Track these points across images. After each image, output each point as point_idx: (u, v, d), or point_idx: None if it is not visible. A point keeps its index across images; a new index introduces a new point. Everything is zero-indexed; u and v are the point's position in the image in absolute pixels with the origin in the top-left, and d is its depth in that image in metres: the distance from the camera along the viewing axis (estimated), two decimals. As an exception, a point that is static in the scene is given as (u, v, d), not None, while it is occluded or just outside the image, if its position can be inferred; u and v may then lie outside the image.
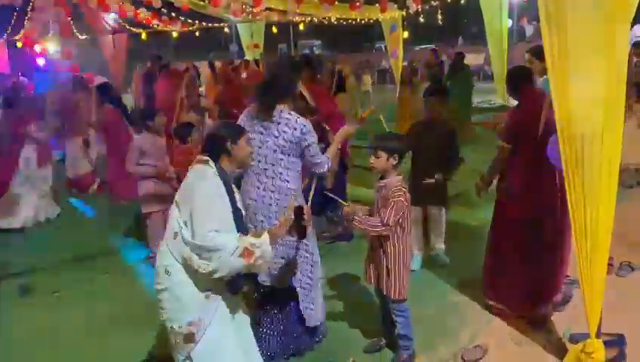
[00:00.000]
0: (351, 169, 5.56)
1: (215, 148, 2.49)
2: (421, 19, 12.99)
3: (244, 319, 2.63)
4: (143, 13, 11.36)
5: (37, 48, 9.42)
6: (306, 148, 2.98)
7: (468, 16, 27.69)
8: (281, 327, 3.17)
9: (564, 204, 2.77)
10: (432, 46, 18.90)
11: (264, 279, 3.04)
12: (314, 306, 3.16)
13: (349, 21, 14.31)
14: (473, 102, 10.53)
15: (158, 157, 4.56)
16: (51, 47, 9.93)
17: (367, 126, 4.30)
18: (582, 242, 2.50)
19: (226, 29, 19.15)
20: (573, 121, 2.43)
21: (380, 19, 13.60)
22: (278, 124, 2.95)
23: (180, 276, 2.36)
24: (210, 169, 2.43)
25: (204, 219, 2.29)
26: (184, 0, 9.86)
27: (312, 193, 2.86)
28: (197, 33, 15.22)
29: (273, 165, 2.98)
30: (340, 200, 3.02)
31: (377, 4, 10.90)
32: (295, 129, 2.94)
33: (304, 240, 3.00)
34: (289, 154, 2.98)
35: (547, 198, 3.32)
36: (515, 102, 3.62)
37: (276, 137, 2.95)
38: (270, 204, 2.98)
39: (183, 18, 13.35)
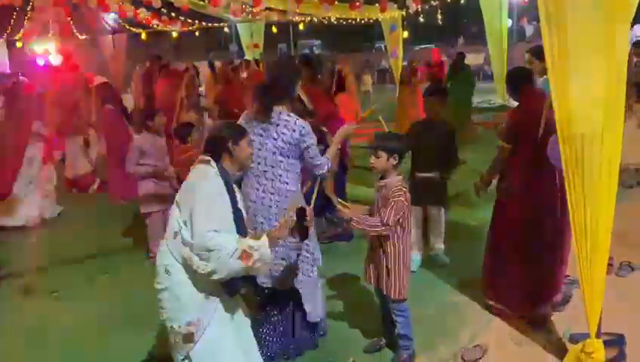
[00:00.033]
0: (351, 169, 5.56)
1: (217, 148, 2.49)
2: (421, 19, 13.03)
3: (244, 320, 2.62)
4: (143, 13, 11.37)
5: (37, 48, 9.40)
6: (305, 149, 2.96)
7: (468, 16, 27.63)
8: (281, 328, 3.17)
9: (564, 204, 2.77)
10: (432, 46, 18.93)
11: (265, 281, 3.03)
12: (315, 303, 3.16)
13: (349, 21, 14.32)
14: (473, 102, 10.52)
15: (158, 158, 4.57)
16: (51, 47, 9.92)
17: (366, 125, 4.29)
18: (582, 242, 2.50)
19: (226, 29, 19.17)
20: (573, 121, 2.43)
21: (379, 19, 13.62)
22: (277, 125, 2.94)
23: (180, 276, 2.36)
24: (212, 169, 2.43)
25: (204, 218, 2.29)
26: (184, 0, 9.87)
27: (314, 195, 2.84)
28: (197, 33, 15.24)
29: (273, 167, 2.97)
30: (337, 201, 3.01)
31: (377, 4, 10.93)
32: (294, 131, 2.92)
33: (305, 241, 2.99)
34: (288, 156, 2.97)
35: (547, 198, 3.32)
36: (515, 103, 3.62)
37: (275, 139, 2.94)
38: (270, 206, 2.97)
39: (182, 18, 13.37)
